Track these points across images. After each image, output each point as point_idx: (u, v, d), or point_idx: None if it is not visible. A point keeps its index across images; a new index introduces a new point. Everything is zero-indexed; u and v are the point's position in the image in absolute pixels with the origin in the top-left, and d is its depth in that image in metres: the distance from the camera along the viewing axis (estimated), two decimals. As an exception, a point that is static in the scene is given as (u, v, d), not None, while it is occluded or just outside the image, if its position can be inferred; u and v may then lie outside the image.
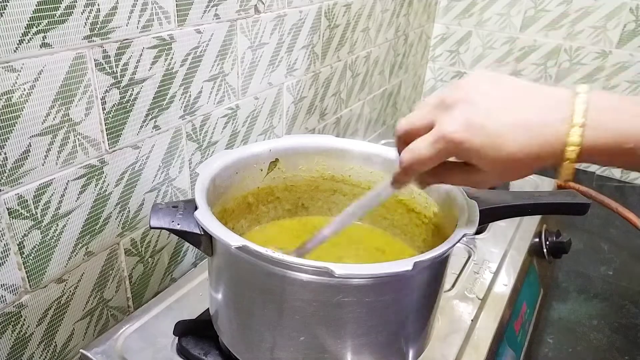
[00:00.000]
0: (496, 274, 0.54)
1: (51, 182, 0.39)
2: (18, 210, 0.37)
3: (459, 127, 0.32)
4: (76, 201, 0.41)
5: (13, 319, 0.39)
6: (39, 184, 0.38)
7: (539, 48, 1.01)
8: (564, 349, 0.57)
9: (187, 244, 0.55)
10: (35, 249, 0.39)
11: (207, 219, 0.34)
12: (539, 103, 0.35)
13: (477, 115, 0.33)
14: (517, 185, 0.76)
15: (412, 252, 0.47)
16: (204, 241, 0.37)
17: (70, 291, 0.43)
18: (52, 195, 0.39)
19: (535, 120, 0.34)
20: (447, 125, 0.33)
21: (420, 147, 0.33)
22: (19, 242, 0.38)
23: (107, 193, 0.44)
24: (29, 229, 0.38)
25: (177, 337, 0.43)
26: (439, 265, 0.37)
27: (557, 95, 0.35)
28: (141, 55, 0.43)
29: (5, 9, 0.32)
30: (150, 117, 0.46)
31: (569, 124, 0.33)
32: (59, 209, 0.40)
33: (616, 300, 0.62)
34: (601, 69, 0.97)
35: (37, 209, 0.38)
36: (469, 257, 0.57)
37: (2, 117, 0.34)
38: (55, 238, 0.40)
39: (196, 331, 0.43)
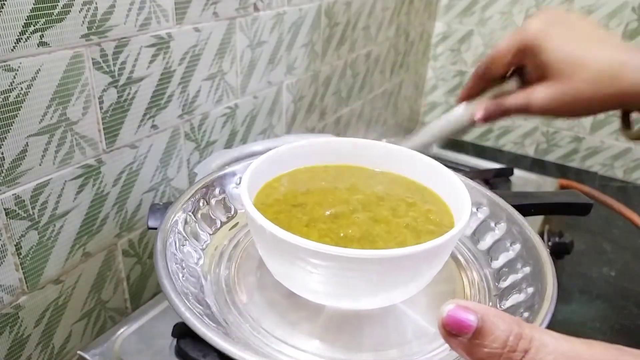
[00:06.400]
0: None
1: (48, 182, 0.38)
2: (15, 211, 0.37)
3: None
4: (73, 201, 0.41)
5: (10, 320, 0.39)
6: (36, 184, 0.38)
7: (541, 47, 1.00)
8: (566, 351, 0.56)
9: (186, 244, 0.55)
10: (33, 250, 0.39)
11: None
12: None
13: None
14: (519, 186, 0.76)
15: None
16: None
17: (68, 292, 0.43)
18: (49, 195, 0.39)
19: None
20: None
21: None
22: (16, 242, 0.37)
23: (104, 193, 0.44)
24: (26, 229, 0.38)
25: (175, 339, 0.43)
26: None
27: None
28: (139, 53, 0.43)
29: (2, 7, 0.32)
30: (148, 116, 0.46)
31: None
32: (56, 209, 0.40)
33: (618, 302, 0.62)
34: (603, 68, 0.96)
35: (34, 209, 0.38)
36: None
37: (-2, 117, 0.34)
38: (52, 239, 0.40)
39: (195, 333, 0.43)
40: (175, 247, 0.34)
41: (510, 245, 0.37)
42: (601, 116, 0.98)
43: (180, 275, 0.32)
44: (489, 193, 0.41)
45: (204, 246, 0.37)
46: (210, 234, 0.38)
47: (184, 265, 0.33)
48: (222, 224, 0.39)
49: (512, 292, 0.33)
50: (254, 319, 0.32)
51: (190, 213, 0.37)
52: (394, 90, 1.00)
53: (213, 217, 0.39)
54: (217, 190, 0.40)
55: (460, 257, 0.39)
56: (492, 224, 0.40)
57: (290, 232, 0.28)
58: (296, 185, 0.38)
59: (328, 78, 0.74)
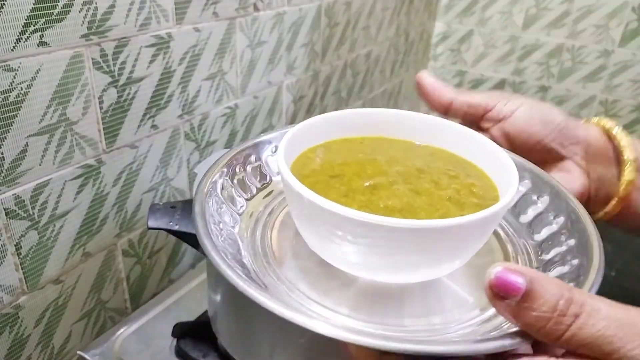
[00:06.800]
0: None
1: (48, 182, 0.38)
2: (15, 211, 0.37)
3: None
4: (73, 201, 0.41)
5: (10, 320, 0.39)
6: (36, 184, 0.38)
7: (541, 47, 1.00)
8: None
9: (185, 245, 0.55)
10: (33, 250, 0.39)
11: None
12: None
13: None
14: (518, 185, 0.76)
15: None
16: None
17: (68, 292, 0.43)
18: (49, 195, 0.39)
19: None
20: None
21: None
22: (16, 242, 0.37)
23: (104, 193, 0.44)
24: (26, 229, 0.38)
25: (175, 339, 0.43)
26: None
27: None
28: (139, 53, 0.43)
29: (2, 7, 0.32)
30: (148, 116, 0.46)
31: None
32: (56, 209, 0.40)
33: (618, 302, 0.62)
34: (603, 67, 0.96)
35: (34, 209, 0.38)
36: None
37: (-3, 117, 0.34)
38: (52, 239, 0.40)
39: (194, 333, 0.43)
40: (214, 209, 0.34)
41: (554, 219, 0.36)
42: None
43: (219, 237, 0.32)
44: (530, 166, 0.41)
45: (241, 211, 0.37)
46: (246, 199, 0.38)
47: (221, 226, 0.33)
48: (258, 190, 0.40)
49: (555, 264, 0.33)
50: (291, 282, 0.32)
51: (227, 177, 0.37)
52: (394, 90, 1.00)
53: (248, 183, 0.39)
54: (252, 157, 0.40)
55: (500, 230, 0.38)
56: (535, 197, 0.39)
57: None
58: (332, 156, 0.37)
59: (328, 78, 0.74)
